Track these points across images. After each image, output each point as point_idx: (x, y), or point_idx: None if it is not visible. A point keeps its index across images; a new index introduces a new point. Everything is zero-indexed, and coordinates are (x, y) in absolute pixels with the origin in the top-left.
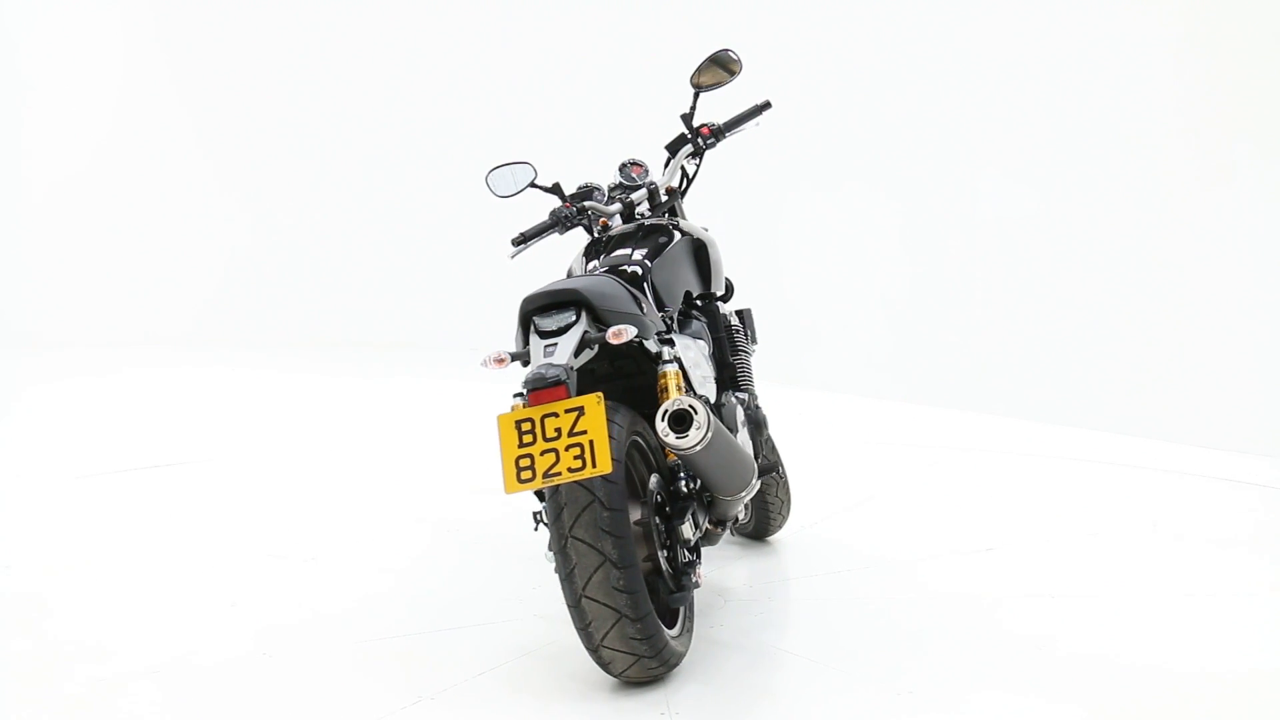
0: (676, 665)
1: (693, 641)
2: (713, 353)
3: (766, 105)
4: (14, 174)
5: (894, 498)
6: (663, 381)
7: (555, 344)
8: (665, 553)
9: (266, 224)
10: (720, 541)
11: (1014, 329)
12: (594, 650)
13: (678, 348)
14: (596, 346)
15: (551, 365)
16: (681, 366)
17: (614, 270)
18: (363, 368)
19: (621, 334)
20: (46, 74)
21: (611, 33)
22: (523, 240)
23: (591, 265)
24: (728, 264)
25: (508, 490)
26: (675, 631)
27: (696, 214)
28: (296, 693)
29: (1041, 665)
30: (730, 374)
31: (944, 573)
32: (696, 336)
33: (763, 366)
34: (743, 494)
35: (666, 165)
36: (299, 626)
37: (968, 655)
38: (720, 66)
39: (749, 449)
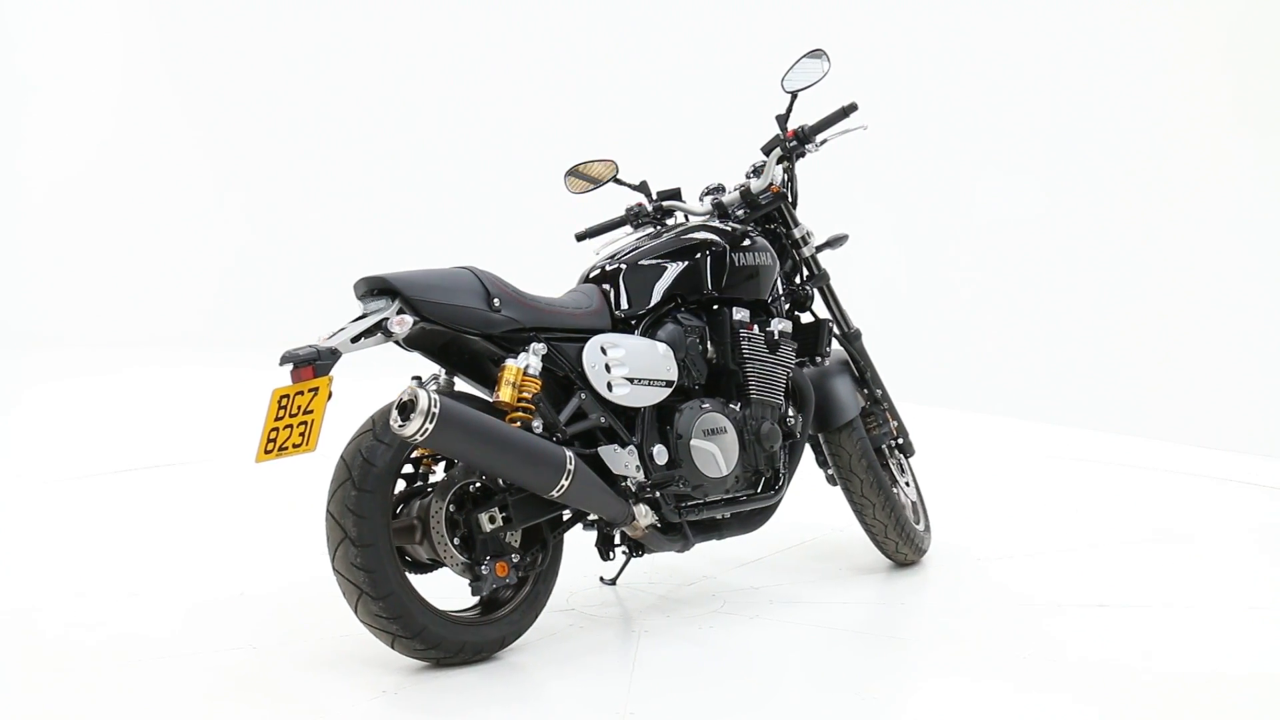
0: (473, 652)
1: (591, 637)
2: (707, 356)
3: (852, 107)
4: (14, 174)
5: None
6: (499, 375)
7: (344, 328)
8: (456, 541)
9: (269, 224)
10: (674, 549)
11: (1014, 329)
12: (360, 621)
13: (594, 345)
14: (401, 332)
15: (311, 345)
16: (581, 369)
17: (604, 268)
18: (363, 368)
19: (403, 323)
20: (47, 74)
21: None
22: (587, 235)
23: (597, 260)
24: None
25: (256, 460)
26: (491, 616)
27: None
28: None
29: (1053, 671)
30: (736, 382)
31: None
32: (665, 340)
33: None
34: (552, 492)
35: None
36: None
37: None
38: (809, 67)
39: (555, 450)
